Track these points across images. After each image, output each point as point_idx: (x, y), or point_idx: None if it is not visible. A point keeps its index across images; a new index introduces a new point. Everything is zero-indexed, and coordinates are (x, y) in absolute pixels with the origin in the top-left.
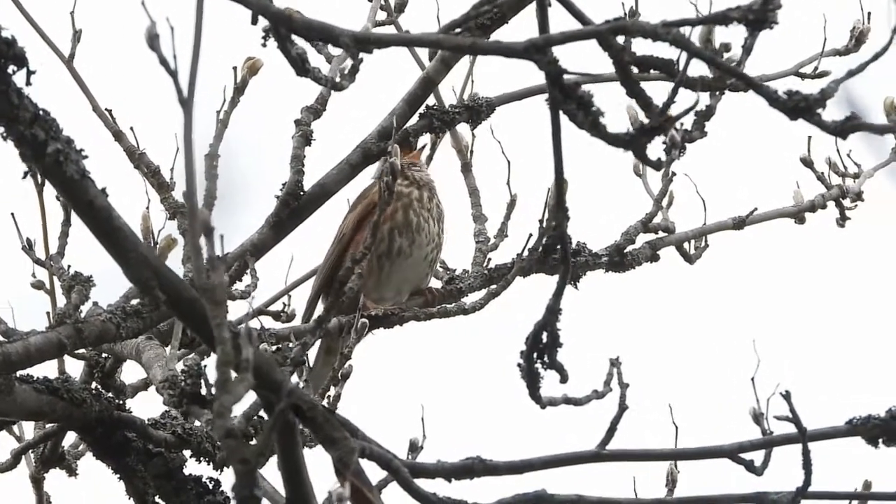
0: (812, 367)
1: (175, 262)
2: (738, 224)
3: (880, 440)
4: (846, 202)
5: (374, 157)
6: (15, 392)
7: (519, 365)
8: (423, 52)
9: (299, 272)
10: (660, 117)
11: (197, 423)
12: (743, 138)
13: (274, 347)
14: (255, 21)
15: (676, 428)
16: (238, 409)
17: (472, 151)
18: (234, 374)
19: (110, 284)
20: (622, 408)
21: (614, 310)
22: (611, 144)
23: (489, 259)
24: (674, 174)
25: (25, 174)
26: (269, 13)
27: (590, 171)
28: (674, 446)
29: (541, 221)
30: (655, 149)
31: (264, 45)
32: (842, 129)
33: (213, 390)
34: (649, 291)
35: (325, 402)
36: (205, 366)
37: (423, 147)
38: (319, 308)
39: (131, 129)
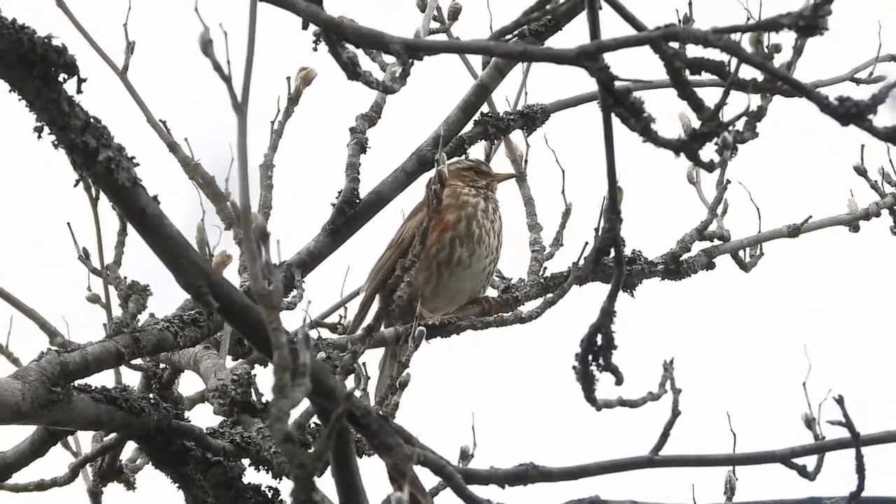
0: (866, 373)
1: (231, 276)
2: (793, 232)
3: None
4: None
5: (429, 165)
6: (73, 401)
7: (574, 367)
8: (476, 61)
9: (355, 284)
10: (711, 120)
11: (254, 432)
12: (796, 147)
13: (325, 356)
14: (305, 27)
15: (734, 435)
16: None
17: (526, 161)
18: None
19: (165, 296)
20: (675, 413)
21: (670, 317)
22: (663, 148)
23: (545, 268)
24: (728, 182)
25: (77, 182)
26: (321, 20)
27: (644, 181)
28: (729, 452)
29: (596, 230)
30: (708, 151)
31: (315, 50)
32: (893, 135)
33: (269, 396)
34: (705, 299)
35: (382, 410)
36: (255, 375)
37: (506, 177)
38: (372, 312)
39: (185, 140)
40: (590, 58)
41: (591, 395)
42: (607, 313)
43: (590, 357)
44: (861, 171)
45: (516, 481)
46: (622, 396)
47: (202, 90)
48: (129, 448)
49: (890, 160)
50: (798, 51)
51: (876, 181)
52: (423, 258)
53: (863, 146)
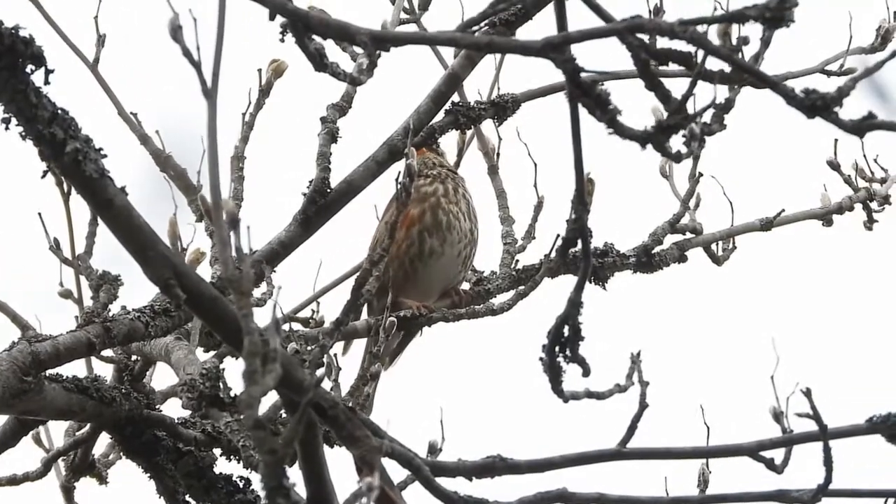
0: (835, 366)
1: (204, 272)
2: (766, 225)
3: None
4: (873, 205)
5: (400, 154)
6: (45, 391)
7: (541, 359)
8: (446, 51)
9: (328, 278)
10: (677, 112)
11: (222, 425)
12: (770, 141)
13: (295, 349)
14: (272, 17)
15: (708, 428)
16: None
17: (498, 154)
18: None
19: (137, 288)
20: (642, 406)
21: (642, 311)
22: (629, 139)
23: (517, 260)
24: (700, 175)
25: (45, 174)
26: (287, 11)
27: (616, 174)
28: (697, 444)
29: (568, 222)
30: (675, 142)
31: (282, 41)
32: (859, 128)
33: (238, 390)
34: (677, 292)
35: (354, 402)
36: (223, 369)
37: (432, 142)
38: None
39: (157, 132)
40: (556, 49)
41: (558, 386)
42: (575, 304)
43: (557, 348)
44: (834, 166)
45: (484, 473)
46: (590, 388)
47: (173, 83)
48: (102, 443)
49: (864, 155)
50: (766, 42)
51: (849, 175)
52: (396, 256)
53: (836, 140)
